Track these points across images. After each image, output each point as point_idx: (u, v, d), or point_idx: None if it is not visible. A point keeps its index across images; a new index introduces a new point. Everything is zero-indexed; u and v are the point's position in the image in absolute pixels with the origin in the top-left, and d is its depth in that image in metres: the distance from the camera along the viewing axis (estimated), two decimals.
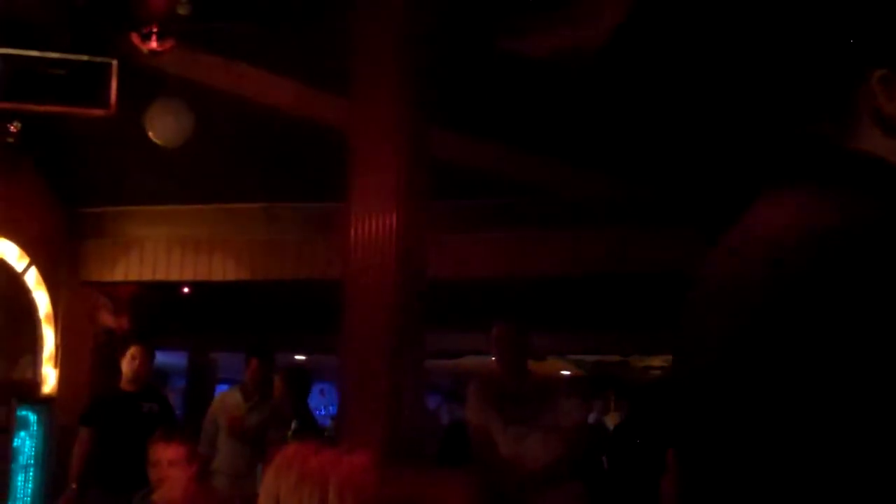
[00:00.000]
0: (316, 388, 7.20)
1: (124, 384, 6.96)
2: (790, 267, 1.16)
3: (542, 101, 5.94)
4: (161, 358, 7.71)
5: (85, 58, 5.43)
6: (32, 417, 7.56)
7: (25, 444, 7.50)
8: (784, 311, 1.14)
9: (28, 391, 7.53)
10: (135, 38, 5.16)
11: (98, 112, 5.50)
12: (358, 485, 3.99)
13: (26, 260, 7.51)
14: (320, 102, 6.06)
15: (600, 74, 5.54)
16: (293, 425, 6.57)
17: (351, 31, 4.77)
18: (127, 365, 6.92)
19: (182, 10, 5.21)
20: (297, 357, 12.12)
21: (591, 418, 9.52)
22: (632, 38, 5.10)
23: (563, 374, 14.00)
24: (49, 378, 7.67)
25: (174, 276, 7.94)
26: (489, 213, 7.15)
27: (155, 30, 5.11)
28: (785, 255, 1.18)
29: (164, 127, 5.98)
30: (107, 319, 8.33)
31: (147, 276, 7.97)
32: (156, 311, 8.62)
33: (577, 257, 6.98)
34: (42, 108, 5.57)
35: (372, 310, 4.69)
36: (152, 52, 5.22)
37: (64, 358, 7.76)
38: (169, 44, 5.22)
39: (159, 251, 7.89)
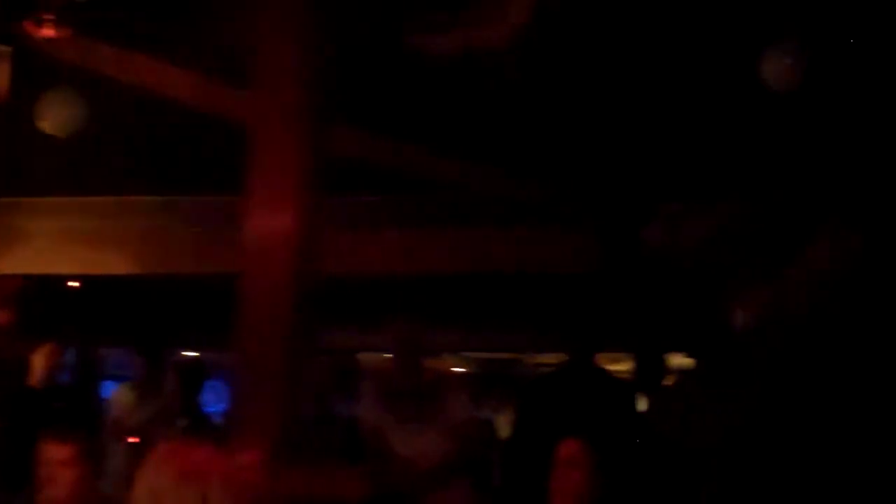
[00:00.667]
0: (206, 385, 7.13)
1: (34, 382, 6.80)
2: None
3: (445, 98, 5.99)
4: None
5: None
6: None
7: None
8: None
9: None
10: (29, 25, 5.06)
11: None
12: (246, 483, 3.98)
13: None
14: (220, 95, 6.00)
15: (506, 73, 5.61)
16: (182, 422, 6.50)
17: (253, 24, 4.75)
18: (41, 362, 6.76)
19: None
20: (187, 353, 11.98)
21: (482, 415, 9.60)
22: (539, 37, 5.18)
23: (454, 371, 14.09)
24: None
25: (63, 270, 7.80)
26: (388, 210, 7.17)
27: (51, 17, 5.02)
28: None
29: (56, 116, 5.87)
30: None
31: (34, 269, 7.78)
32: (43, 305, 8.42)
33: (474, 256, 7.06)
34: None
35: (268, 305, 4.68)
36: (47, 39, 5.13)
37: None
38: (65, 32, 5.13)
39: (48, 244, 7.74)
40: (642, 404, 6.40)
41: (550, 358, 12.78)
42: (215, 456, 2.48)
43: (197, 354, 11.51)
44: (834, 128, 5.53)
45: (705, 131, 5.85)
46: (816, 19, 5.07)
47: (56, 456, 4.47)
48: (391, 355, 5.76)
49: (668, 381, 6.62)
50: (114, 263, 7.67)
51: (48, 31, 5.05)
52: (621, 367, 9.65)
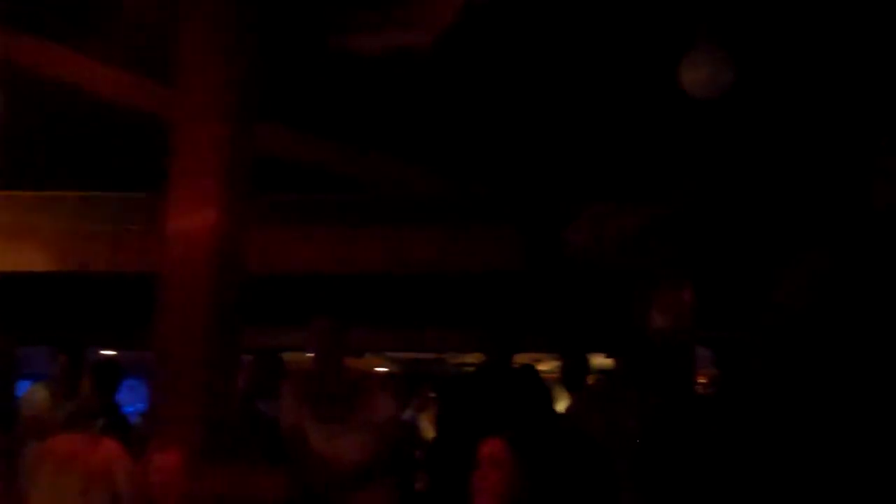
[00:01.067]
0: (125, 385, 7.05)
1: None
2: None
3: (370, 97, 5.99)
4: None
5: None
6: None
7: None
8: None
9: None
10: None
11: None
12: (164, 483, 3.94)
13: None
14: (142, 91, 5.93)
15: (430, 73, 5.63)
16: (100, 422, 6.41)
17: (175, 20, 4.70)
18: None
19: None
20: (105, 352, 11.81)
21: (406, 415, 9.62)
22: (463, 38, 5.21)
23: (377, 371, 14.07)
24: None
25: None
26: (311, 208, 7.15)
27: None
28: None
29: None
30: None
31: None
32: None
33: (397, 255, 7.06)
34: None
35: (189, 304, 4.63)
36: None
37: None
38: None
39: None
40: (565, 403, 6.46)
41: (473, 357, 12.84)
42: (91, 446, 2.46)
43: (115, 353, 11.36)
44: (755, 134, 5.64)
45: (628, 134, 5.93)
46: (737, 26, 5.16)
47: None
48: (312, 354, 5.74)
49: (591, 381, 6.69)
50: (31, 260, 7.54)
51: None
52: (543, 367, 9.74)
